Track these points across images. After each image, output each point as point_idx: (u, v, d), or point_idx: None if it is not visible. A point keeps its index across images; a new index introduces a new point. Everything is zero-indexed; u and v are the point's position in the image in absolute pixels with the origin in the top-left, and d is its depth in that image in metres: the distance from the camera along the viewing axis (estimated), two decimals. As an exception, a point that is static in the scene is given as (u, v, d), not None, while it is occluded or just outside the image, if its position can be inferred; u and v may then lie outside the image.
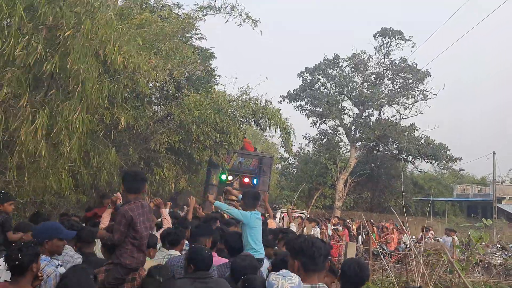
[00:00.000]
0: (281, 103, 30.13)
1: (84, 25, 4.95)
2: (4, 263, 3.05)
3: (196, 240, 4.35)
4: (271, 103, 12.64)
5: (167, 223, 5.20)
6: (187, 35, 14.26)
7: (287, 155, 32.23)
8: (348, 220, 19.91)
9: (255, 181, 16.24)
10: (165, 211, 5.57)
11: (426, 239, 16.04)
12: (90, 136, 8.79)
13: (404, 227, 20.17)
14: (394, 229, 20.20)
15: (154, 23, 11.53)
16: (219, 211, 6.90)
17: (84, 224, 6.53)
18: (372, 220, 23.75)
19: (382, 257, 11.58)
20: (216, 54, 15.45)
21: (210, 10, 12.61)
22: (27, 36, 4.54)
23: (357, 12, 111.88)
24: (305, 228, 11.36)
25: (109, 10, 5.58)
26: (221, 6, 12.50)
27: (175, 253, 4.38)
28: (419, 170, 34.47)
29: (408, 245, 16.54)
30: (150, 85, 13.84)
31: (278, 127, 12.42)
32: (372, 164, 33.07)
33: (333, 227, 15.67)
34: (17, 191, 6.56)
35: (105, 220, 4.77)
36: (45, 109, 5.33)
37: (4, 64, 4.70)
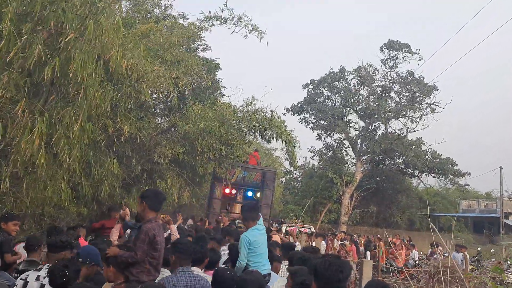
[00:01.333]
0: (285, 115, 29.87)
1: (87, 28, 4.72)
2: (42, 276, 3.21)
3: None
4: (276, 113, 12.40)
5: (174, 239, 5.08)
6: (192, 45, 14.13)
7: (292, 169, 31.89)
8: (354, 235, 19.49)
9: (258, 195, 16.25)
10: (174, 228, 5.53)
11: (435, 255, 15.61)
12: (92, 146, 8.55)
13: (412, 243, 19.67)
14: (402, 244, 19.78)
15: (159, 32, 11.41)
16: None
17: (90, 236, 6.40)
18: (379, 235, 23.29)
19: (391, 273, 11.18)
20: (221, 65, 15.25)
21: (217, 21, 12.48)
22: (25, 36, 4.31)
23: (363, 24, 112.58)
24: (313, 244, 10.97)
25: (115, 11, 5.34)
26: (227, 17, 12.41)
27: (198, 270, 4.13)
28: (425, 184, 34.05)
29: (418, 261, 16.13)
30: (154, 96, 13.70)
31: (283, 139, 12.14)
32: (378, 178, 32.63)
33: (340, 242, 15.31)
34: (14, 203, 6.28)
35: (115, 235, 5.04)
36: (44, 116, 5.07)
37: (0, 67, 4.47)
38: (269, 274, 4.67)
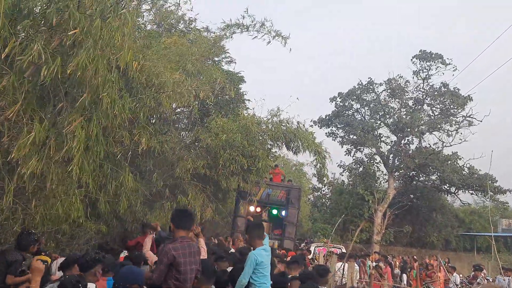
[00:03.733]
0: (312, 127, 29.00)
1: (94, 27, 4.33)
2: None
3: None
4: (303, 125, 11.83)
5: (204, 252, 4.99)
6: (216, 58, 13.87)
7: (320, 185, 31.01)
8: (389, 256, 18.40)
9: (283, 213, 15.97)
10: (202, 241, 5.41)
11: (479, 279, 14.41)
12: (111, 159, 8.21)
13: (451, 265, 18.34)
14: (440, 266, 18.58)
15: (182, 45, 11.17)
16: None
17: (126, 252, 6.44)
18: (415, 257, 22.04)
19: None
20: (245, 77, 14.88)
21: (238, 28, 12.18)
22: (23, 34, 3.97)
23: (394, 35, 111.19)
24: (346, 267, 10.11)
25: (128, 13, 4.96)
26: (249, 24, 12.10)
27: None
28: (463, 202, 32.34)
29: (459, 286, 14.92)
30: (178, 110, 13.44)
31: (312, 150, 11.51)
32: (411, 195, 31.22)
33: (373, 263, 14.36)
34: (22, 219, 5.92)
35: (147, 245, 5.40)
36: (43, 124, 4.67)
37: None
38: None
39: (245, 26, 12.01)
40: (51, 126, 5.52)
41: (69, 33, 4.21)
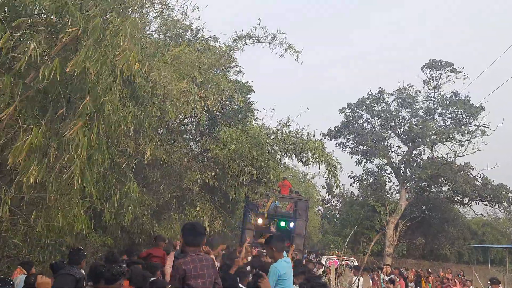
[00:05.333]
0: (321, 140, 28.69)
1: (94, 25, 4.15)
2: None
3: None
4: (313, 136, 11.56)
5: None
6: (224, 68, 13.72)
7: (330, 197, 30.57)
8: (402, 269, 17.90)
9: (291, 225, 16.01)
10: (213, 257, 5.47)
11: (497, 293, 13.86)
12: (115, 169, 8.01)
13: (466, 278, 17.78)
14: (455, 279, 18.06)
15: (190, 54, 11.03)
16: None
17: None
18: (429, 269, 21.48)
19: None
20: (252, 83, 14.65)
21: (249, 40, 11.98)
22: (19, 34, 3.80)
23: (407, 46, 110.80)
24: (361, 281, 9.74)
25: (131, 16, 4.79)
26: (261, 36, 11.88)
27: None
28: (476, 213, 31.63)
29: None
30: (185, 120, 13.28)
31: (323, 161, 11.21)
32: (423, 207, 30.60)
33: (387, 277, 13.91)
34: (23, 231, 5.70)
35: (169, 263, 5.73)
36: (40, 128, 4.46)
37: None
38: None
39: (256, 38, 11.80)
40: (53, 134, 5.35)
41: (67, 30, 4.01)
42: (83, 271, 5.28)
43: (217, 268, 4.73)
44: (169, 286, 4.02)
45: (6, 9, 4.00)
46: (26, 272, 5.43)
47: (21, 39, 4.02)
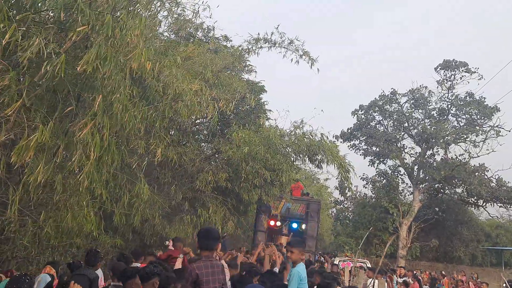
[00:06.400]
0: (335, 142, 28.39)
1: (106, 23, 4.02)
2: None
3: None
4: (327, 137, 11.33)
5: (227, 271, 5.29)
6: (237, 68, 13.53)
7: (342, 198, 30.25)
8: (416, 271, 17.58)
9: (303, 226, 16.11)
10: (223, 262, 5.64)
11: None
12: (126, 170, 7.89)
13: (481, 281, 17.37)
14: (470, 282, 17.70)
15: (203, 55, 10.89)
16: None
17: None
18: (443, 272, 21.09)
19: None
20: (267, 87, 14.45)
21: (265, 43, 11.81)
22: (24, 28, 3.67)
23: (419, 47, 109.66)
24: (376, 283, 9.50)
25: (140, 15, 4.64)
26: (278, 41, 11.70)
27: None
28: (491, 215, 31.07)
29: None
30: (197, 121, 13.13)
31: (336, 164, 10.98)
32: (437, 209, 30.12)
33: (400, 279, 13.63)
34: (32, 232, 5.59)
35: (176, 265, 5.79)
36: (48, 125, 4.33)
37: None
38: None
39: (272, 42, 11.64)
40: (61, 133, 5.22)
41: (77, 29, 3.89)
42: (98, 272, 5.34)
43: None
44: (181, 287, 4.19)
45: (11, 3, 3.87)
46: (54, 272, 5.30)
47: (27, 35, 3.89)
